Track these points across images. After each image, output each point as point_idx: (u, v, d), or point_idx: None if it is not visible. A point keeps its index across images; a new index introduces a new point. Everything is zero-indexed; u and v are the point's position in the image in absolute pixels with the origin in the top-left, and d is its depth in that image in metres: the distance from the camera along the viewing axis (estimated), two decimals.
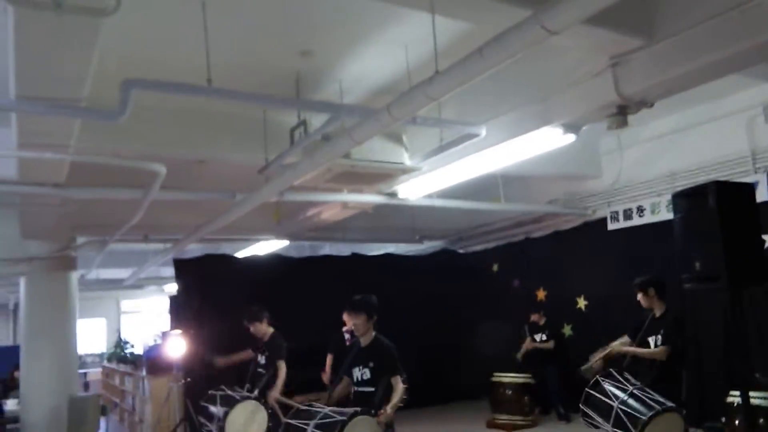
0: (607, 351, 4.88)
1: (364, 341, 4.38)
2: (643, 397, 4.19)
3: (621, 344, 4.92)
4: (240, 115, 6.06)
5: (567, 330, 9.44)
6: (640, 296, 4.97)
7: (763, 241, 3.34)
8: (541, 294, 10.05)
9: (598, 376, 4.50)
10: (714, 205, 3.26)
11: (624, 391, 4.23)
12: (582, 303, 9.27)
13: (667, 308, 4.90)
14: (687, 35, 4.02)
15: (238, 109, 5.85)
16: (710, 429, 7.05)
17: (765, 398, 5.38)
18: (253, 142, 6.12)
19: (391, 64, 5.32)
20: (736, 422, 5.03)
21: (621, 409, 4.09)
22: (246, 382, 5.95)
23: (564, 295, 9.51)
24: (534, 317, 9.23)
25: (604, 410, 4.21)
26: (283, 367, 5.81)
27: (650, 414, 4.01)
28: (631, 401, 4.13)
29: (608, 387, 4.31)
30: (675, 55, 4.13)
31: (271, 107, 5.73)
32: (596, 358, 4.80)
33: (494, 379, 8.82)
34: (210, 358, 6.47)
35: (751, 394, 5.37)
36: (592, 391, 4.36)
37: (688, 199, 3.60)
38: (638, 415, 4.05)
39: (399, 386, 4.08)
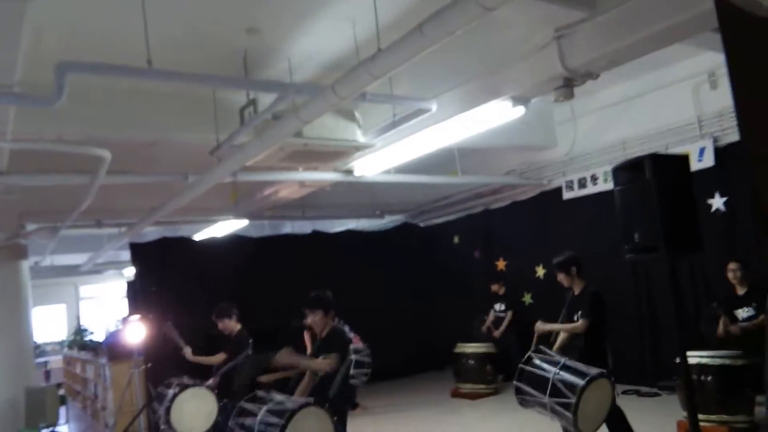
0: (535, 335, 4.96)
1: (322, 334, 4.40)
2: (575, 367, 4.31)
3: (542, 323, 4.99)
4: (189, 94, 5.93)
5: (527, 298, 9.61)
6: (561, 276, 4.99)
7: (697, 212, 3.41)
8: (501, 264, 10.20)
9: (530, 352, 4.56)
10: (651, 177, 3.32)
11: (556, 364, 4.34)
12: (541, 272, 9.43)
13: (585, 284, 4.97)
14: (629, 6, 4.05)
15: (186, 88, 5.71)
16: (664, 387, 7.36)
17: (711, 357, 5.62)
18: (203, 122, 5.99)
19: (340, 39, 5.24)
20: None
21: (557, 378, 4.19)
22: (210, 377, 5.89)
23: (523, 264, 9.67)
24: (494, 287, 9.37)
25: (540, 383, 4.27)
26: (219, 358, 5.76)
27: (586, 379, 4.13)
28: (563, 372, 4.24)
29: (540, 362, 4.40)
30: (618, 26, 4.16)
31: (217, 87, 5.60)
32: (533, 346, 4.88)
33: (457, 349, 8.96)
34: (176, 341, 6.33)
35: (700, 353, 5.64)
36: (525, 366, 4.43)
37: (626, 172, 3.66)
38: (574, 382, 4.16)
39: (328, 360, 4.11)
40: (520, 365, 4.45)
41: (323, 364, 4.15)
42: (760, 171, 2.90)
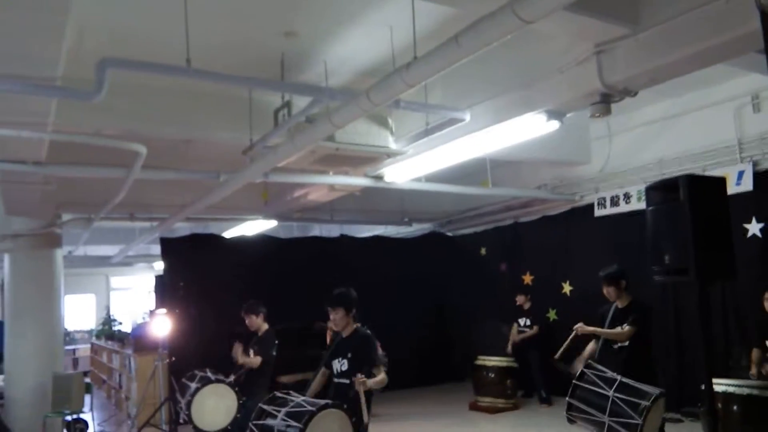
0: (572, 334, 4.87)
1: (345, 333, 4.38)
2: (631, 385, 4.20)
3: (583, 325, 4.86)
4: (225, 94, 6.01)
5: (552, 314, 9.49)
6: (610, 290, 4.89)
7: (731, 237, 3.32)
8: (527, 278, 10.09)
9: (582, 368, 4.43)
10: (685, 198, 3.24)
11: (611, 381, 4.22)
12: (567, 288, 9.31)
13: (632, 299, 4.87)
14: (672, 24, 3.97)
15: (223, 88, 5.79)
16: (687, 414, 7.18)
17: (738, 386, 5.46)
18: (238, 122, 6.07)
19: (377, 45, 5.27)
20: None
21: (616, 397, 4.08)
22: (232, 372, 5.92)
23: (550, 279, 9.55)
24: (519, 299, 9.28)
25: (596, 401, 4.15)
26: (257, 361, 5.74)
27: (651, 399, 4.03)
28: (620, 392, 4.12)
29: (595, 378, 4.27)
30: (660, 44, 4.09)
31: (253, 88, 5.67)
32: (565, 346, 4.81)
33: (478, 362, 8.88)
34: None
35: (726, 382, 5.49)
36: (579, 383, 4.28)
37: (660, 192, 3.58)
38: (636, 401, 4.06)
39: (380, 375, 4.08)
40: (574, 381, 4.31)
41: (381, 380, 4.10)
42: None
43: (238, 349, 5.69)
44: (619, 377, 4.26)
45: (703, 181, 3.42)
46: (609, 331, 4.72)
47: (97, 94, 3.95)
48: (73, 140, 5.30)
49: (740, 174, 6.92)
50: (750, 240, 6.88)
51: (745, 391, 5.42)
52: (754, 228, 6.88)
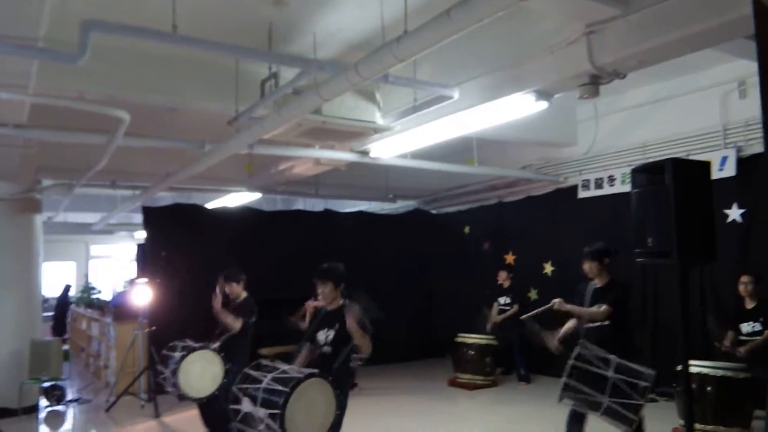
0: (549, 305, 4.88)
1: (330, 307, 4.38)
2: (629, 366, 4.25)
3: (562, 302, 4.85)
4: (211, 63, 5.91)
5: (533, 294, 9.57)
6: (592, 266, 4.85)
7: (713, 221, 3.36)
8: (509, 257, 10.16)
9: (578, 348, 4.44)
10: (670, 181, 3.27)
11: (608, 362, 4.25)
12: (549, 268, 9.40)
13: (611, 278, 4.87)
14: (663, 7, 3.96)
15: (209, 57, 5.69)
16: (662, 394, 7.33)
17: (713, 368, 5.59)
18: (224, 91, 5.98)
19: (367, 18, 5.19)
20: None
21: (617, 378, 4.13)
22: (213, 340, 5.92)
23: (532, 259, 9.63)
24: (501, 276, 9.34)
25: (595, 382, 4.17)
26: (238, 325, 5.74)
27: (651, 380, 4.09)
28: (619, 372, 4.16)
29: (591, 359, 4.28)
30: (650, 26, 4.07)
31: (240, 57, 5.57)
32: (537, 311, 4.84)
33: (458, 339, 8.97)
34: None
35: (701, 363, 5.62)
36: (577, 363, 4.27)
37: (645, 175, 3.61)
38: (637, 383, 4.12)
39: (368, 339, 4.09)
40: (571, 361, 4.29)
41: (368, 343, 4.10)
42: None
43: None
44: (614, 357, 4.29)
45: (688, 165, 3.44)
46: (586, 310, 4.74)
47: (80, 58, 3.86)
48: (55, 104, 5.20)
49: (724, 159, 6.99)
50: (730, 225, 6.98)
51: (720, 372, 5.55)
52: (734, 213, 6.98)
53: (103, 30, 3.92)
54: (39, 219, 8.74)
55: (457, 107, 5.64)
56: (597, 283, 4.89)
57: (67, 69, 4.67)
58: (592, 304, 4.78)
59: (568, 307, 4.79)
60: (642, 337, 7.85)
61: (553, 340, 4.85)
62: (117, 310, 9.43)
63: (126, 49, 5.43)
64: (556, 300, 4.87)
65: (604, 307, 4.66)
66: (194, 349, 5.53)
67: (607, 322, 4.65)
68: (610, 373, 4.17)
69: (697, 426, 5.44)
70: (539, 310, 4.94)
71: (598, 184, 8.55)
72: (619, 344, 4.49)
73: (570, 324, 4.89)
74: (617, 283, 4.86)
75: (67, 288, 14.92)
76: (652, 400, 7.33)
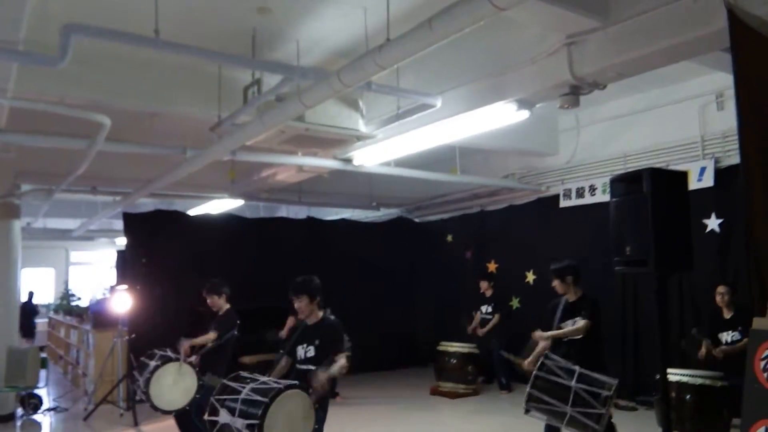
0: (538, 350, 4.81)
1: (310, 321, 4.36)
2: (590, 376, 4.26)
3: (541, 332, 4.84)
4: (194, 68, 5.90)
5: (515, 302, 9.62)
6: (556, 283, 4.89)
7: (690, 230, 3.41)
8: (492, 266, 10.20)
9: (542, 358, 4.44)
10: (648, 191, 3.31)
11: (571, 372, 4.26)
12: (531, 277, 9.44)
13: (583, 293, 4.90)
14: (641, 19, 4.04)
15: (192, 62, 5.68)
16: (642, 402, 7.39)
17: (691, 376, 5.65)
18: (206, 97, 5.97)
19: (350, 26, 5.22)
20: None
21: (579, 388, 4.13)
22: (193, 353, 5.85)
23: (514, 268, 9.67)
24: (482, 285, 9.36)
25: (558, 392, 4.17)
26: (212, 336, 5.70)
27: (612, 389, 4.11)
28: (582, 382, 4.17)
29: (555, 369, 4.30)
30: (629, 38, 4.15)
31: (223, 63, 5.57)
32: (536, 353, 4.78)
33: (440, 347, 8.97)
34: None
35: (680, 371, 5.67)
36: (540, 373, 4.27)
37: (624, 184, 3.65)
38: (598, 392, 4.13)
39: (341, 361, 4.08)
40: (535, 372, 4.29)
41: (342, 365, 4.10)
42: (756, 193, 2.90)
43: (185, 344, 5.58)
44: (577, 368, 4.32)
45: (666, 175, 3.49)
46: (566, 331, 4.74)
47: (61, 61, 3.84)
48: (34, 107, 5.15)
49: (702, 170, 7.09)
50: (708, 235, 7.07)
51: (698, 381, 5.61)
52: (712, 223, 7.07)
53: (85, 34, 3.89)
54: (18, 225, 8.62)
55: (440, 116, 5.68)
56: (569, 298, 4.90)
57: (47, 72, 4.64)
58: (563, 319, 4.79)
59: (548, 334, 4.80)
60: (624, 346, 7.92)
61: (529, 366, 4.81)
62: (96, 317, 9.31)
63: (108, 53, 5.39)
64: (536, 334, 4.87)
65: (582, 322, 4.67)
66: (170, 360, 5.46)
67: (579, 336, 4.68)
68: (572, 383, 4.19)
69: None
70: (536, 353, 4.86)
71: (580, 194, 8.62)
72: (589, 356, 4.50)
73: (541, 347, 4.86)
74: (589, 298, 4.88)
75: (31, 294, 14.81)
76: (633, 409, 7.43)
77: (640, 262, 3.40)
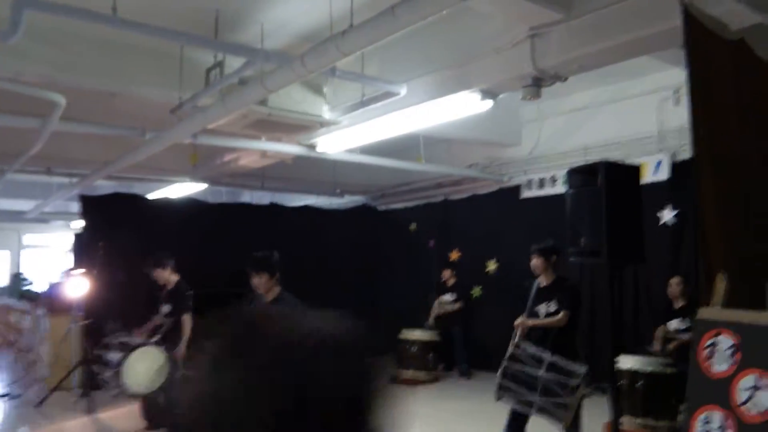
0: (517, 332, 4.82)
1: (269, 297, 4.33)
2: (561, 364, 4.31)
3: (525, 318, 4.83)
4: (155, 48, 5.77)
5: (476, 291, 9.73)
6: (539, 262, 4.82)
7: (642, 223, 3.49)
8: (454, 255, 10.28)
9: (510, 349, 4.46)
10: (602, 183, 3.38)
11: (541, 361, 4.29)
12: (492, 266, 9.56)
13: (557, 277, 4.87)
14: (602, 14, 4.10)
15: (153, 42, 5.54)
16: (598, 389, 7.56)
17: (643, 363, 5.81)
18: (167, 78, 5.85)
19: (315, 11, 5.16)
20: (620, 384, 5.38)
21: (547, 377, 4.18)
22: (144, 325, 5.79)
23: (476, 257, 9.77)
24: (445, 274, 9.44)
25: (527, 381, 4.22)
26: (188, 322, 5.64)
27: (581, 378, 4.18)
28: (552, 371, 4.23)
29: (525, 358, 4.33)
30: (590, 32, 4.21)
31: (184, 44, 5.45)
32: (513, 345, 4.80)
33: (401, 336, 9.01)
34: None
35: (632, 359, 5.82)
36: (509, 363, 4.31)
37: (580, 176, 3.72)
38: (567, 382, 4.19)
39: None
40: (505, 360, 4.31)
41: None
42: (705, 187, 2.99)
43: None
44: (548, 356, 4.35)
45: (619, 168, 3.56)
46: (549, 321, 4.72)
47: (11, 36, 3.71)
48: None
49: (658, 163, 7.26)
50: (663, 227, 7.25)
51: (649, 368, 5.77)
52: (667, 216, 7.25)
53: (37, 8, 3.77)
54: None
55: (404, 104, 5.68)
56: (543, 281, 4.87)
57: (2, 48, 4.47)
58: (536, 303, 4.80)
59: (531, 322, 4.79)
60: (582, 334, 8.08)
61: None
62: (50, 301, 9.08)
63: (64, 30, 5.24)
64: (519, 321, 4.80)
65: (563, 313, 4.65)
66: (133, 348, 5.39)
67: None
68: (541, 373, 4.23)
69: (628, 419, 5.66)
70: (513, 344, 4.88)
71: (541, 185, 8.74)
72: (564, 342, 4.52)
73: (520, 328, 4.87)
74: (565, 283, 4.86)
75: None
76: (588, 395, 7.60)
77: (594, 253, 3.47)
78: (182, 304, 5.69)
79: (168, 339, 5.58)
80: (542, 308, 4.76)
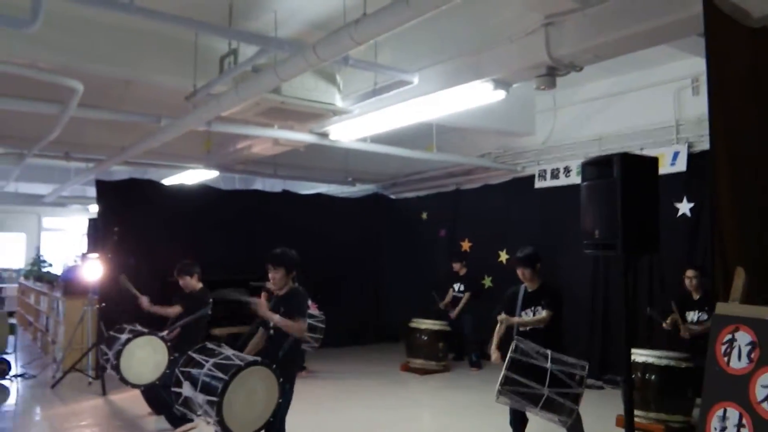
0: (499, 325, 4.85)
1: (281, 292, 4.36)
2: (561, 358, 4.32)
3: (508, 317, 4.81)
4: (170, 36, 5.79)
5: (487, 281, 9.71)
6: (527, 271, 4.80)
7: (658, 215, 3.45)
8: (466, 245, 10.27)
9: (514, 341, 4.46)
10: (618, 175, 3.34)
11: (544, 355, 4.30)
12: (504, 257, 9.53)
13: (543, 282, 4.88)
14: (619, 2, 4.05)
15: (168, 30, 5.57)
16: (609, 381, 7.56)
17: (657, 357, 5.78)
18: (182, 66, 5.86)
19: None
20: (633, 377, 5.35)
21: (555, 369, 4.19)
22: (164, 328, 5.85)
23: (487, 247, 9.75)
24: (456, 265, 9.44)
25: (534, 374, 4.19)
26: (176, 310, 5.71)
27: (585, 370, 4.21)
28: (555, 364, 4.23)
29: (529, 351, 4.33)
30: (606, 20, 4.16)
31: (199, 32, 5.46)
32: (494, 345, 4.83)
33: (411, 324, 9.02)
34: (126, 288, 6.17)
35: (646, 352, 5.79)
36: (516, 356, 4.26)
37: (595, 168, 3.68)
38: (573, 372, 4.21)
39: (298, 324, 4.10)
40: (511, 355, 4.26)
41: (295, 327, 4.11)
42: (721, 178, 2.95)
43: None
44: (549, 351, 4.36)
45: (636, 160, 3.51)
46: (532, 319, 4.75)
47: (33, 24, 3.73)
48: (5, 70, 5.02)
49: (675, 154, 7.18)
50: (680, 219, 7.19)
51: (663, 362, 5.73)
52: (684, 207, 7.18)
53: None
54: None
55: (417, 93, 5.66)
56: (529, 287, 4.86)
57: (18, 35, 4.52)
58: (524, 308, 4.81)
59: (515, 320, 4.80)
60: (594, 326, 8.06)
61: (494, 353, 4.82)
62: (67, 284, 9.21)
63: (82, 17, 5.28)
64: (502, 317, 4.82)
65: (545, 312, 4.69)
66: (142, 334, 5.44)
67: (541, 326, 4.73)
68: (548, 365, 4.24)
69: (641, 413, 5.63)
70: (496, 336, 4.89)
71: (555, 175, 8.69)
72: (551, 345, 4.51)
73: (499, 330, 4.88)
74: (551, 287, 4.88)
75: None
76: (600, 388, 7.59)
77: (609, 245, 3.44)
78: (194, 305, 5.71)
79: (180, 338, 5.62)
80: (529, 313, 4.77)
